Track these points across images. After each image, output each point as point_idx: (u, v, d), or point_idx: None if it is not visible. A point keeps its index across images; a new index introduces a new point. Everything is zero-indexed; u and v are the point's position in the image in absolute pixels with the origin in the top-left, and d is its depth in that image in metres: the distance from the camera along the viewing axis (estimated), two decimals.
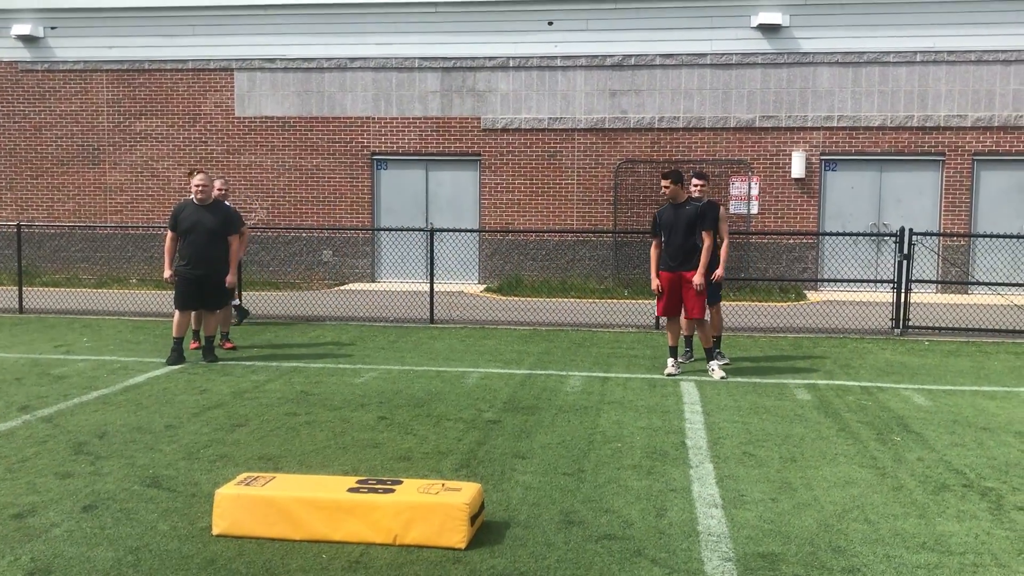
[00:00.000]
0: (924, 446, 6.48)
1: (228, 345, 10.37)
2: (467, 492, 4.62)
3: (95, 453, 6.12)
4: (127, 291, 16.14)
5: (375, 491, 4.65)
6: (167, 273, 9.60)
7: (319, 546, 4.51)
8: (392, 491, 4.65)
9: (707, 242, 8.88)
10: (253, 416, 7.19)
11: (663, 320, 9.95)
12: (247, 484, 4.76)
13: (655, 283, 9.06)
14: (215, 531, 4.64)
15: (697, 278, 8.78)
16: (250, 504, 4.61)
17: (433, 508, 4.49)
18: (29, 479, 5.56)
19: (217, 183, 10.41)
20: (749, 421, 7.15)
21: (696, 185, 9.43)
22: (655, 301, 9.52)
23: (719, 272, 9.28)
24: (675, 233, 8.87)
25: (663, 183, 8.97)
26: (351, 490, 4.68)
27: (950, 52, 16.43)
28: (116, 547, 4.50)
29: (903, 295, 11.84)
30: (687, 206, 8.91)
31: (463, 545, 4.45)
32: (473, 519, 4.55)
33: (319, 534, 4.55)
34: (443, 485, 4.73)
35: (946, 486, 5.57)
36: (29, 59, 18.75)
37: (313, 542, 4.54)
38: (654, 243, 9.12)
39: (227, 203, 10.18)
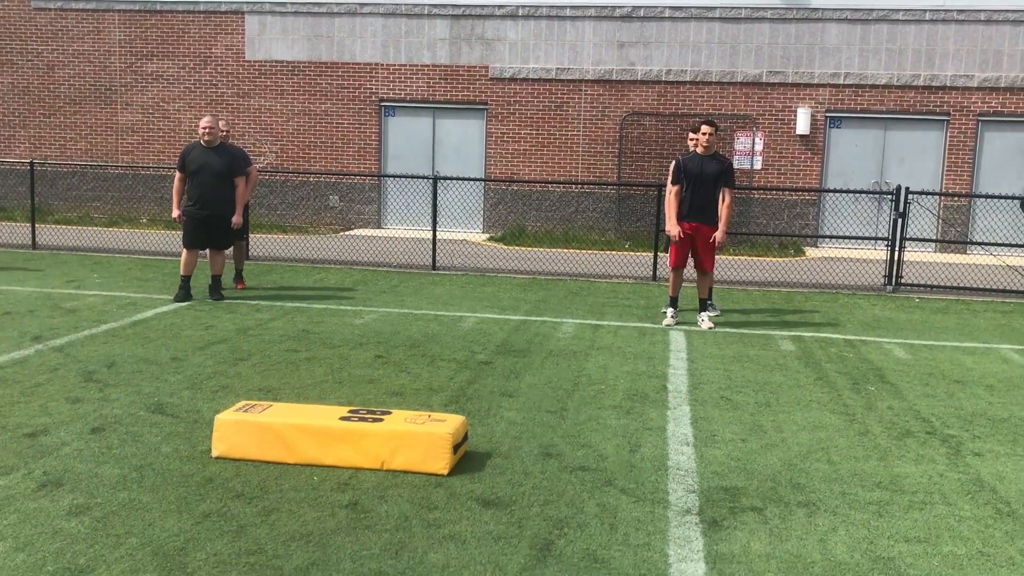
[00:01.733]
0: (896, 396, 6.75)
1: (240, 286, 10.67)
2: (451, 423, 4.93)
3: (103, 381, 6.45)
4: (137, 230, 16.43)
5: (365, 420, 4.95)
6: (175, 213, 9.86)
7: (311, 469, 4.83)
8: (381, 420, 4.95)
9: (728, 199, 9.02)
10: (255, 351, 7.51)
11: (663, 271, 10.13)
12: (245, 411, 5.07)
13: (677, 230, 8.97)
14: (214, 453, 4.97)
15: (720, 235, 8.98)
16: (248, 429, 4.93)
17: (418, 437, 4.80)
18: (42, 402, 5.89)
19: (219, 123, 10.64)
20: (731, 368, 7.43)
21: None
22: (667, 251, 9.41)
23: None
24: (700, 184, 8.93)
25: (707, 129, 8.82)
26: (343, 419, 4.98)
27: (960, 11, 16.38)
28: (122, 465, 4.82)
29: (897, 253, 12.04)
30: (715, 159, 9.01)
31: (445, 471, 4.76)
32: (456, 448, 4.86)
33: (311, 458, 4.87)
34: (429, 416, 5.03)
35: (910, 432, 5.85)
36: None
37: (305, 465, 4.86)
38: (675, 190, 8.99)
39: (231, 143, 10.42)
